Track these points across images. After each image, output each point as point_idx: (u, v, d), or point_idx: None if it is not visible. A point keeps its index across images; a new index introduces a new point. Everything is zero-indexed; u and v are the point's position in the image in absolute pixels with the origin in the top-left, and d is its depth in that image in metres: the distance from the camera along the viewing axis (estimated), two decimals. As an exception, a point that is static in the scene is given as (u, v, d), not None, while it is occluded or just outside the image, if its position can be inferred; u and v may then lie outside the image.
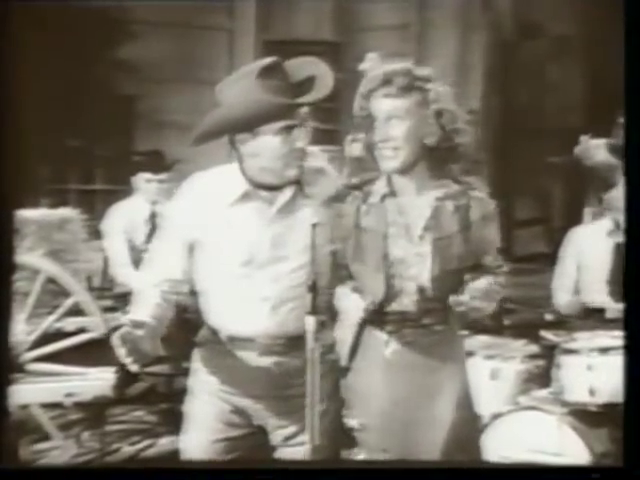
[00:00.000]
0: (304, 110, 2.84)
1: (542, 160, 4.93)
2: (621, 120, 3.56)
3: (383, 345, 2.93)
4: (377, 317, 2.92)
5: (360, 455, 2.96)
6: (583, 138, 4.28)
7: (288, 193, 2.84)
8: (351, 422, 2.97)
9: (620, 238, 4.16)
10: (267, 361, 2.90)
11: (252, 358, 2.90)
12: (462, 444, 2.93)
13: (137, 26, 5.43)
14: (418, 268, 2.87)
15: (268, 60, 2.83)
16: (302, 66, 2.88)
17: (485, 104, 5.80)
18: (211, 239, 2.88)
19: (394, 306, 2.89)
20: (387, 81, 2.86)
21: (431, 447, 2.90)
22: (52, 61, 4.65)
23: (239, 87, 2.80)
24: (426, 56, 5.57)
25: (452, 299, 2.82)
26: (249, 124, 2.79)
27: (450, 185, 2.90)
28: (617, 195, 4.23)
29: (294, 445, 2.93)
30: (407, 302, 2.89)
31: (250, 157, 2.83)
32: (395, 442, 2.91)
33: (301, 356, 2.77)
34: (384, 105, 2.85)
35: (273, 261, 2.86)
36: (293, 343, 2.87)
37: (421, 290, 2.87)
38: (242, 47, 5.83)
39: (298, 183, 2.85)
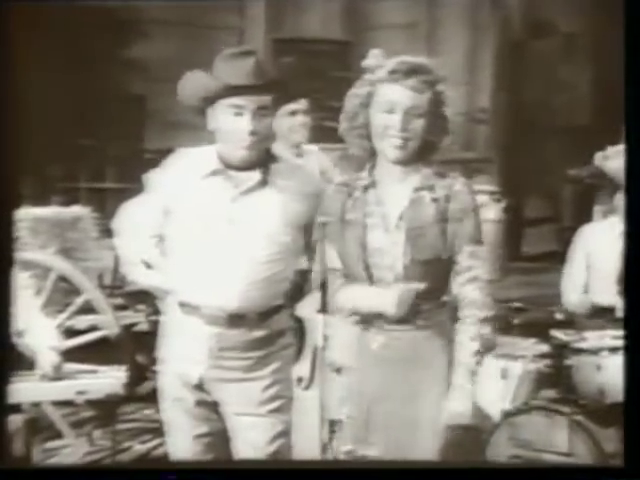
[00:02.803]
0: (261, 98, 2.93)
1: (560, 170, 4.93)
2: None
3: (370, 338, 2.96)
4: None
5: (346, 447, 2.99)
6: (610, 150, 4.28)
7: (255, 177, 2.95)
8: (340, 415, 3.01)
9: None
10: (212, 331, 3.02)
11: (199, 326, 3.02)
12: (450, 442, 2.95)
13: (147, 26, 5.44)
14: (394, 257, 2.91)
15: (244, 47, 2.96)
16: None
17: (495, 102, 5.80)
18: (179, 208, 3.03)
19: None
20: (411, 73, 2.88)
21: (417, 443, 2.92)
22: (64, 61, 4.67)
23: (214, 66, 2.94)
24: (435, 55, 5.56)
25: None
26: (212, 98, 2.93)
27: (430, 177, 2.93)
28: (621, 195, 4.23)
29: (243, 414, 3.05)
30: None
31: (217, 135, 2.98)
32: (382, 436, 2.93)
33: (243, 331, 2.99)
34: (405, 96, 2.88)
35: (228, 239, 2.97)
36: (235, 319, 3.00)
37: (398, 279, 2.90)
38: (252, 46, 5.84)
39: (266, 169, 2.95)
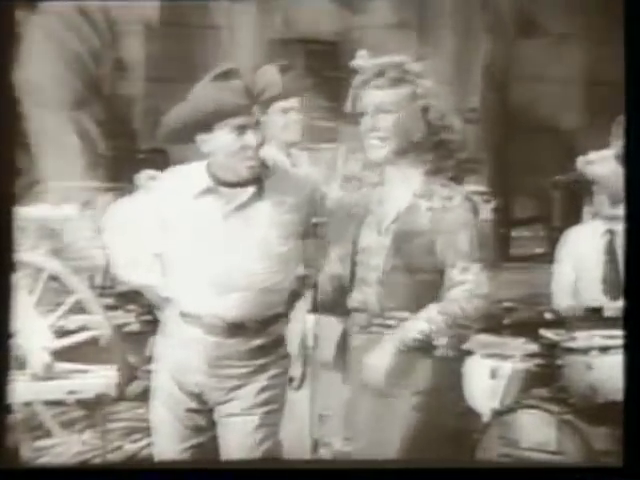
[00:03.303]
0: (256, 110, 3.00)
1: (550, 171, 4.96)
2: (620, 118, 3.57)
3: (352, 337, 2.98)
4: (341, 307, 2.99)
5: (326, 443, 3.02)
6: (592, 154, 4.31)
7: (248, 192, 2.99)
8: (318, 411, 3.03)
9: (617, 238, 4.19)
10: (211, 340, 3.09)
11: (198, 334, 3.10)
12: (423, 442, 2.96)
13: (137, 25, 5.43)
14: (379, 260, 2.92)
15: (224, 66, 3.02)
16: (258, 74, 3.06)
17: (484, 103, 5.80)
18: (174, 225, 3.12)
19: (355, 295, 2.94)
20: (379, 73, 2.91)
21: (390, 443, 2.94)
22: (53, 60, 4.65)
23: (196, 90, 2.99)
24: (425, 55, 5.56)
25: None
26: (205, 123, 3.00)
27: (431, 184, 2.93)
28: (605, 199, 4.26)
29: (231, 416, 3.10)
30: (368, 291, 2.93)
31: (211, 155, 3.00)
32: (358, 433, 2.95)
33: (242, 340, 3.08)
34: (374, 96, 2.91)
35: (224, 254, 3.05)
36: (234, 327, 3.08)
37: (379, 282, 2.91)
38: (242, 46, 5.83)
39: (260, 183, 3.00)
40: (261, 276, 3.04)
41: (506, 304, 4.25)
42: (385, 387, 2.89)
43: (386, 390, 2.91)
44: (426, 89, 2.96)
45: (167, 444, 3.17)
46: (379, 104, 2.91)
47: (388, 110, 2.91)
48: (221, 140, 3.01)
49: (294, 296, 3.17)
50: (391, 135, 2.92)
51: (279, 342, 3.11)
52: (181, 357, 3.09)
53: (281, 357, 3.11)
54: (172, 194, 3.12)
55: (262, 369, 3.07)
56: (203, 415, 3.12)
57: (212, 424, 3.13)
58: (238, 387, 3.06)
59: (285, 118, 3.95)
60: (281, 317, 3.11)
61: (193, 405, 3.09)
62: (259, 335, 3.06)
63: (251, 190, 3.03)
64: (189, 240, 3.07)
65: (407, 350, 2.89)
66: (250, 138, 2.98)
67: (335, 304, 3.09)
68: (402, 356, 2.89)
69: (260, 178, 3.05)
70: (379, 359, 2.89)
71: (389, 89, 2.92)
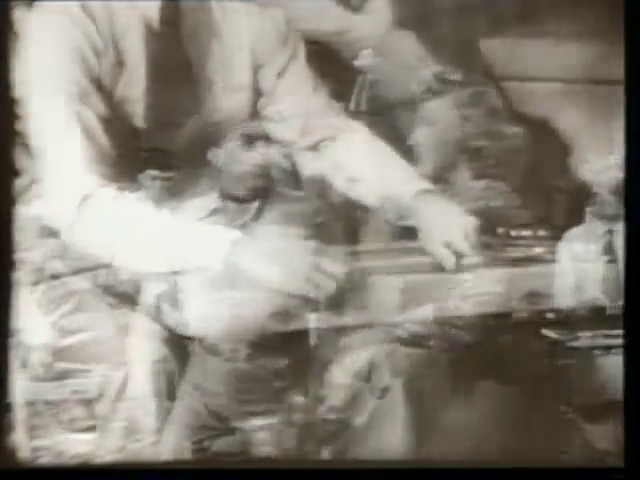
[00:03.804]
0: (260, 117, 3.04)
1: (551, 172, 5.00)
2: (620, 119, 3.58)
3: None
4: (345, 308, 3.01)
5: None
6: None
7: (254, 207, 3.01)
8: (324, 413, 3.05)
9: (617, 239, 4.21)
10: (232, 365, 3.21)
11: (218, 362, 3.22)
12: (425, 443, 2.97)
13: (137, 25, 5.42)
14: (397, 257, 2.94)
15: (228, 79, 3.05)
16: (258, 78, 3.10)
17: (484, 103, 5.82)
18: (180, 248, 3.23)
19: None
20: (428, 89, 2.91)
21: (392, 443, 2.95)
22: (53, 59, 4.65)
23: (204, 104, 3.02)
24: (425, 55, 5.56)
25: None
26: (214, 136, 2.98)
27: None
28: (605, 199, 4.28)
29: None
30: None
31: (221, 168, 3.01)
32: (360, 433, 2.97)
33: (265, 361, 3.15)
34: (423, 110, 2.91)
35: (230, 275, 3.12)
36: (253, 348, 3.18)
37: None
38: (242, 46, 5.82)
39: (266, 193, 3.03)
40: (274, 288, 3.05)
41: (508, 304, 4.26)
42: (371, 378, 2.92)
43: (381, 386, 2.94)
44: (462, 97, 2.97)
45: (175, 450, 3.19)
46: (420, 118, 2.91)
47: (428, 122, 2.92)
48: (230, 151, 3.03)
49: (312, 305, 3.18)
50: (430, 149, 2.93)
51: (301, 358, 3.13)
52: (204, 384, 3.10)
53: (301, 369, 3.12)
54: (180, 221, 3.14)
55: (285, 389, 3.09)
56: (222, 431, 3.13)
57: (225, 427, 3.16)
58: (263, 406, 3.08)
59: (285, 119, 3.97)
60: (302, 330, 3.12)
61: (215, 424, 3.11)
62: (282, 355, 3.08)
63: (257, 203, 3.06)
64: (194, 263, 3.09)
65: (393, 345, 2.91)
66: (258, 146, 3.00)
67: (341, 304, 3.10)
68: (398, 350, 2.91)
69: (266, 188, 3.07)
70: (365, 351, 2.92)
71: (429, 101, 2.93)
